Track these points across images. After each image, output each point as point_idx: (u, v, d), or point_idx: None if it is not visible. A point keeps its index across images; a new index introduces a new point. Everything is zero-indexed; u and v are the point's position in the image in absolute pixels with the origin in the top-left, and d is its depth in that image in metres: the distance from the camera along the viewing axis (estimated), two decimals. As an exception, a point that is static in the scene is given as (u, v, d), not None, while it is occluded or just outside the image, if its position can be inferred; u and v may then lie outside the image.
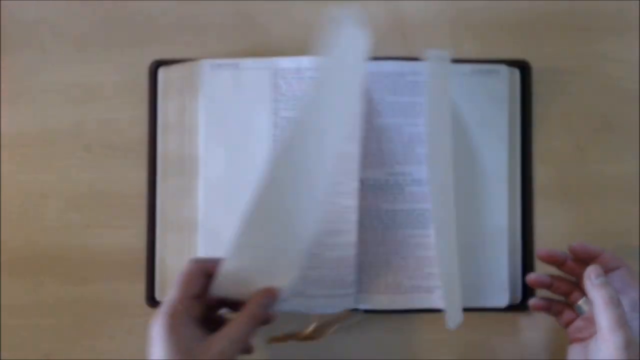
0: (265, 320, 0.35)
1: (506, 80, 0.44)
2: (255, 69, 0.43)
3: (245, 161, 0.43)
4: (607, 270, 0.37)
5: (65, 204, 0.45)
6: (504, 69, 0.44)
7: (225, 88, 0.43)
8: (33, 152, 0.45)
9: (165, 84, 0.44)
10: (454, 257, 0.41)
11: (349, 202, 0.42)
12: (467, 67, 0.44)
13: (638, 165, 0.45)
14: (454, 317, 0.40)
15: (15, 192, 0.45)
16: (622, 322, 0.33)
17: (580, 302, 0.39)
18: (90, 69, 0.46)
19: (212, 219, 0.43)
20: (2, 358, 0.44)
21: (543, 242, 0.44)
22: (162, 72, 0.44)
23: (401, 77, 0.43)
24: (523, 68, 0.45)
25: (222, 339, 0.33)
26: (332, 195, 0.41)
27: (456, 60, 0.43)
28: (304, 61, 0.43)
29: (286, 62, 0.43)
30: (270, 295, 0.35)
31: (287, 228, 0.35)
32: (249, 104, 0.43)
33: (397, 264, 0.43)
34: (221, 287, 0.35)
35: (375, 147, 0.44)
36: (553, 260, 0.39)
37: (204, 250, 0.42)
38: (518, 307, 0.43)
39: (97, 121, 0.45)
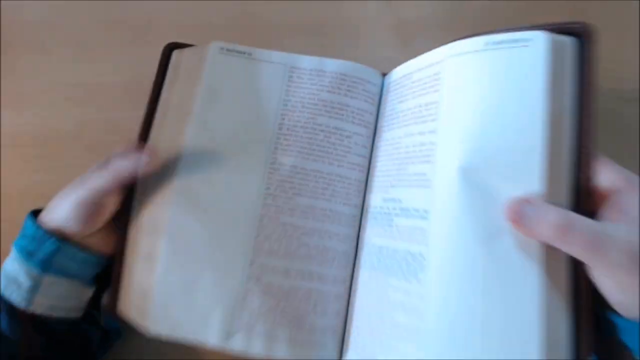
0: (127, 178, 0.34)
1: (542, 55, 0.30)
2: (270, 61, 0.38)
3: (238, 166, 0.35)
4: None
5: (65, 204, 0.45)
6: (539, 37, 0.30)
7: (231, 77, 0.37)
8: (33, 152, 0.45)
9: (173, 68, 0.39)
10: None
11: (340, 230, 0.35)
12: (479, 41, 0.32)
13: (638, 165, 0.45)
14: None
15: (15, 192, 0.45)
16: None
17: None
18: (90, 69, 0.46)
19: (181, 227, 0.34)
20: (2, 358, 0.44)
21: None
22: (174, 55, 0.39)
23: (407, 78, 0.36)
24: (580, 35, 0.31)
25: (78, 186, 0.34)
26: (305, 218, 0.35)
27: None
28: (329, 64, 0.37)
29: (306, 62, 0.38)
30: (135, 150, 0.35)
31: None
32: (254, 100, 0.37)
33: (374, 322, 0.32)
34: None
35: (375, 166, 0.37)
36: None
37: (165, 258, 0.34)
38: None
39: (98, 121, 0.45)
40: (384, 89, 0.38)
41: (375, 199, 0.35)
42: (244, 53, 0.38)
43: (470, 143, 0.30)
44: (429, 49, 0.36)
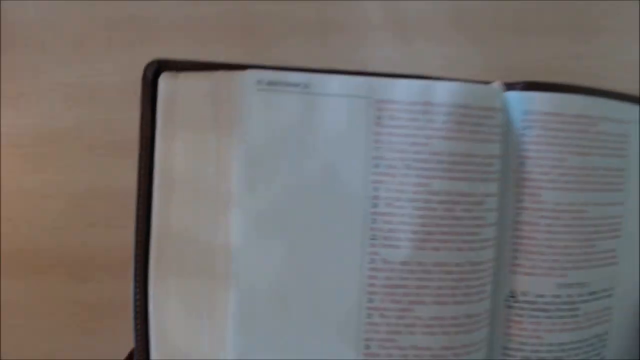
0: None
1: None
2: (340, 95, 0.25)
3: (318, 273, 0.24)
4: None
5: (65, 204, 0.45)
6: None
7: (283, 128, 0.24)
8: (33, 152, 0.45)
9: (167, 106, 0.26)
10: None
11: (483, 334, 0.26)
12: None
13: (638, 165, 0.45)
14: None
15: (15, 192, 0.45)
16: None
17: None
18: (90, 69, 0.46)
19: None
20: (2, 358, 0.44)
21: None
22: (165, 83, 0.26)
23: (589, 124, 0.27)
24: None
25: None
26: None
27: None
28: (437, 90, 0.25)
29: (401, 90, 0.25)
30: None
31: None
32: (326, 163, 0.24)
33: None
34: None
35: (540, 241, 0.26)
36: None
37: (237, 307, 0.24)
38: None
39: (97, 121, 0.45)
40: (513, 117, 0.27)
41: (541, 287, 0.26)
42: (297, 85, 0.24)
43: None
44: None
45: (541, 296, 0.26)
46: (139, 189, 0.26)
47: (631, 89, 0.46)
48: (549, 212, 0.26)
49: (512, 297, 0.26)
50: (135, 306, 0.26)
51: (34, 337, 0.44)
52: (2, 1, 0.47)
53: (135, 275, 0.25)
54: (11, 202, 0.45)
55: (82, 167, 0.45)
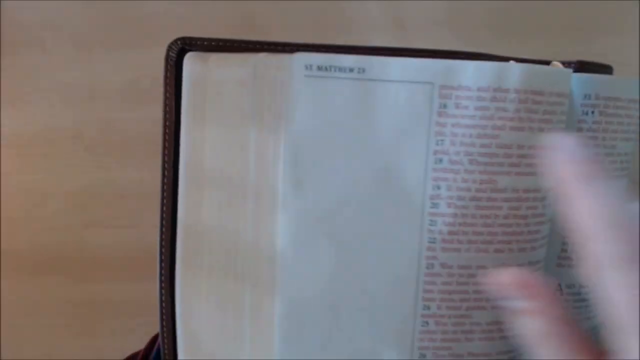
0: None
1: None
2: (401, 80, 0.22)
3: (371, 268, 0.22)
4: None
5: (65, 204, 0.45)
6: None
7: (337, 116, 0.22)
8: (33, 152, 0.45)
9: (199, 93, 0.23)
10: None
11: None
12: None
13: (638, 165, 0.45)
14: None
15: (15, 192, 0.45)
16: None
17: None
18: (91, 69, 0.46)
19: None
20: (2, 358, 0.44)
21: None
22: (193, 66, 0.23)
23: None
24: None
25: None
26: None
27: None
28: (512, 71, 0.22)
29: (471, 71, 0.22)
30: None
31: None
32: (384, 159, 0.22)
33: None
34: None
35: None
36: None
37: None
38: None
39: (97, 121, 0.45)
40: (573, 102, 0.24)
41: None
42: (352, 70, 0.21)
43: None
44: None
45: (585, 286, 0.23)
46: (164, 183, 0.24)
47: (631, 89, 0.46)
48: None
49: (559, 289, 0.25)
50: (162, 307, 0.24)
51: (34, 337, 0.44)
52: (2, 1, 0.47)
53: (161, 274, 0.24)
54: (11, 202, 0.45)
55: (81, 167, 0.45)
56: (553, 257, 0.25)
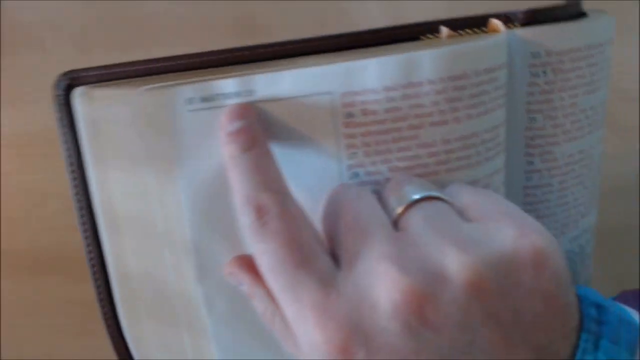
0: None
1: None
2: (296, 96, 0.19)
3: None
4: None
5: (65, 204, 0.45)
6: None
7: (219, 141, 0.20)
8: (33, 152, 0.45)
9: (94, 134, 0.21)
10: None
11: None
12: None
13: (638, 165, 0.45)
14: None
15: (15, 192, 0.45)
16: None
17: None
18: (90, 69, 0.46)
19: None
20: (2, 358, 0.44)
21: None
22: (82, 105, 0.21)
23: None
24: None
25: None
26: None
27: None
28: (422, 64, 0.19)
29: (371, 72, 0.19)
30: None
31: None
32: (296, 178, 0.20)
33: None
34: None
35: (553, 202, 0.23)
36: None
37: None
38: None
39: (97, 121, 0.45)
40: (517, 65, 0.21)
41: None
42: (238, 94, 0.19)
43: None
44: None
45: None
46: (84, 231, 0.22)
47: (631, 89, 0.46)
48: (562, 167, 0.23)
49: None
50: (119, 354, 0.24)
51: (34, 337, 0.44)
52: (2, 1, 0.47)
53: (106, 320, 0.23)
54: (11, 202, 0.45)
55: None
56: None
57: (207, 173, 0.20)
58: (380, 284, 0.16)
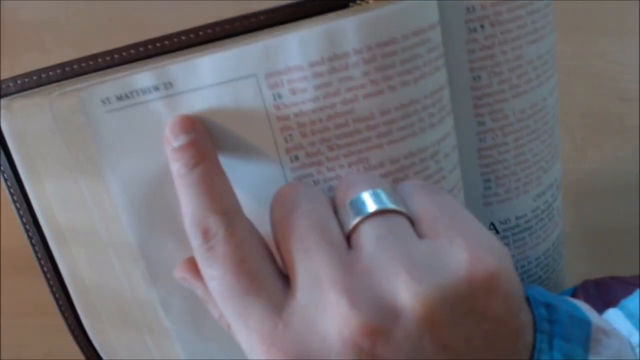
0: None
1: None
2: (217, 83, 0.18)
3: None
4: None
5: (65, 204, 0.45)
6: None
7: (161, 146, 0.19)
8: (33, 152, 0.45)
9: (21, 147, 0.20)
10: None
11: None
12: None
13: (638, 165, 0.45)
14: None
15: (15, 192, 0.45)
16: None
17: None
18: (90, 69, 0.46)
19: None
20: (2, 358, 0.44)
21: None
22: (5, 119, 0.19)
23: None
24: None
25: None
26: None
27: None
28: (345, 31, 0.18)
29: (287, 49, 0.18)
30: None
31: None
32: (232, 169, 0.19)
33: None
34: None
35: (511, 161, 0.23)
36: None
37: None
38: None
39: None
40: (452, 22, 0.20)
41: (519, 208, 0.23)
42: (156, 89, 0.18)
43: None
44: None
45: (522, 216, 0.23)
46: (33, 245, 0.22)
47: (631, 89, 0.46)
48: (515, 124, 0.22)
49: (493, 229, 0.23)
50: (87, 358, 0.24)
51: (34, 337, 0.44)
52: (2, 1, 0.47)
53: (71, 329, 0.23)
54: (11, 202, 0.45)
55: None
56: (478, 199, 0.24)
57: (141, 173, 0.19)
58: (330, 317, 0.15)
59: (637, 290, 0.21)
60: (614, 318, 0.19)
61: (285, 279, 0.17)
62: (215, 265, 0.17)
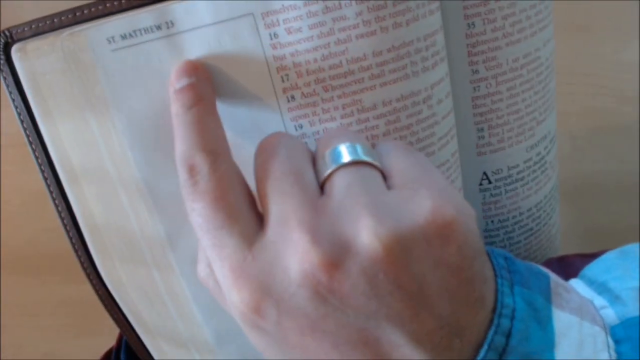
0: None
1: None
2: (218, 21, 0.19)
3: None
4: None
5: (65, 204, 0.45)
6: None
7: (166, 84, 0.20)
8: (33, 152, 0.45)
9: (35, 90, 0.20)
10: None
11: None
12: None
13: (637, 165, 0.45)
14: None
15: (15, 192, 0.45)
16: None
17: None
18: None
19: None
20: (2, 358, 0.44)
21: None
22: (19, 63, 0.20)
23: None
24: None
25: None
26: None
27: None
28: None
29: None
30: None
31: None
32: (231, 106, 0.20)
33: None
34: None
35: (504, 110, 0.23)
36: None
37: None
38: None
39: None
40: None
41: (512, 158, 0.24)
42: (158, 27, 0.19)
43: None
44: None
45: (514, 167, 0.24)
46: (48, 185, 0.23)
47: (631, 89, 0.46)
48: (508, 73, 0.22)
49: (485, 179, 0.24)
50: (103, 301, 0.25)
51: (34, 337, 0.44)
52: (2, 1, 0.47)
53: (86, 270, 0.24)
54: (11, 202, 0.45)
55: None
56: (471, 148, 0.24)
57: (146, 110, 0.20)
58: (293, 252, 0.16)
59: (596, 260, 0.21)
60: (575, 287, 0.20)
61: (261, 219, 0.18)
62: (197, 199, 0.18)
